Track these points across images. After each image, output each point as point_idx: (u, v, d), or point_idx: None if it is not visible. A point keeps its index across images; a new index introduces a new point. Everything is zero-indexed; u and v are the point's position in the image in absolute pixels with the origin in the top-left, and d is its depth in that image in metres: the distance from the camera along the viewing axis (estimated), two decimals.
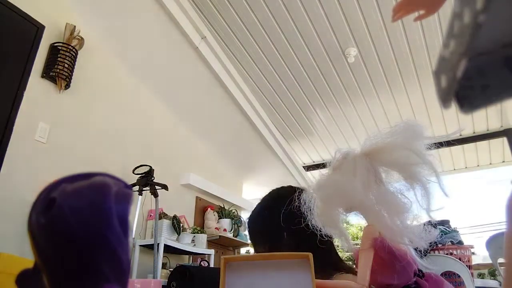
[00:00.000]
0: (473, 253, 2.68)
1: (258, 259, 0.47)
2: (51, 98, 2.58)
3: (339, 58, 3.64)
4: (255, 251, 0.99)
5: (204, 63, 3.25)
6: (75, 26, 2.70)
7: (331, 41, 3.44)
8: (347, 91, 4.13)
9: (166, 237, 2.88)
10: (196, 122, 3.98)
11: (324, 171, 0.65)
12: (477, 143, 4.95)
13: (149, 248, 2.89)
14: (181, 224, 3.13)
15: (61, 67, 2.56)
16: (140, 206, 2.92)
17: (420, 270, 0.60)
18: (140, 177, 2.80)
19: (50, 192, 0.27)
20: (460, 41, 0.34)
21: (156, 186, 2.79)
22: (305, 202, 0.65)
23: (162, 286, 2.46)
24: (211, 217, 3.94)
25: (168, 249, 2.95)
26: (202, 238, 3.32)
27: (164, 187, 2.83)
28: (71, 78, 2.66)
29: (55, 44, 2.60)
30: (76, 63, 2.70)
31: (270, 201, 0.98)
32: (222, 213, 4.08)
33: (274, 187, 1.01)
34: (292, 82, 4.02)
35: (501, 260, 2.56)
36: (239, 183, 4.98)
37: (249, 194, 5.34)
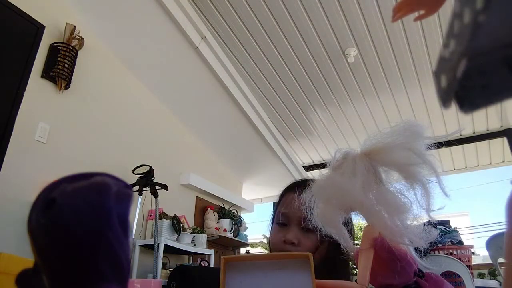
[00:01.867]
0: (473, 253, 2.68)
1: (258, 259, 0.47)
2: (51, 98, 2.58)
3: (339, 58, 3.64)
4: None
5: (204, 63, 3.25)
6: (75, 26, 2.70)
7: (331, 41, 3.44)
8: (347, 91, 4.13)
9: (166, 237, 2.88)
10: (196, 122, 3.98)
11: (324, 171, 0.64)
12: (477, 143, 4.95)
13: (149, 248, 2.89)
14: (181, 224, 3.13)
15: (61, 67, 2.55)
16: (140, 206, 2.92)
17: (420, 270, 0.60)
18: (140, 177, 2.80)
19: (50, 192, 0.27)
20: (460, 41, 0.34)
21: (156, 186, 2.79)
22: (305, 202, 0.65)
23: (162, 286, 2.46)
24: (211, 217, 3.94)
25: (168, 249, 2.95)
26: (202, 238, 3.32)
27: (164, 187, 2.83)
28: (71, 78, 2.66)
29: (55, 44, 2.60)
30: (76, 63, 2.70)
31: None
32: (222, 213, 4.08)
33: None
34: (292, 82, 4.01)
35: (501, 260, 2.56)
36: (239, 183, 4.98)
37: (249, 194, 5.34)
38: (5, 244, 2.04)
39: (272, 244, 1.00)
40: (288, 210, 0.99)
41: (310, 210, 0.64)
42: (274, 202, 6.10)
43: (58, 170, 2.50)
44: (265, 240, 5.45)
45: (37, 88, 2.48)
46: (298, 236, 0.96)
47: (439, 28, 3.22)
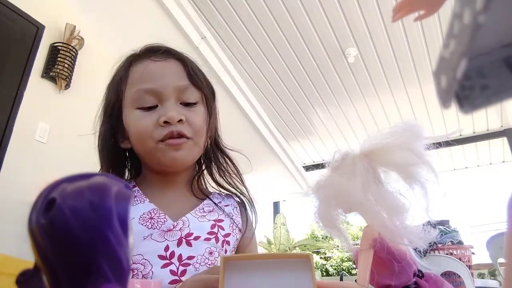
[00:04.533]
0: (473, 253, 2.68)
1: (258, 258, 0.47)
2: (51, 98, 2.58)
3: (339, 58, 3.64)
4: None
5: (204, 63, 3.24)
6: (75, 26, 2.70)
7: (331, 41, 3.44)
8: (347, 91, 4.13)
9: None
10: None
11: (324, 171, 0.65)
12: (477, 143, 4.95)
13: None
14: None
15: (61, 67, 2.56)
16: None
17: (419, 271, 0.60)
18: None
19: (50, 192, 0.27)
20: (460, 41, 0.34)
21: None
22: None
23: None
24: None
25: None
26: None
27: None
28: (71, 78, 2.66)
29: (55, 44, 2.60)
30: (76, 63, 2.70)
31: None
32: None
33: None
34: (292, 82, 4.01)
35: (501, 260, 2.56)
36: None
37: None
38: (5, 244, 2.04)
39: (137, 135, 0.74)
40: (156, 84, 0.74)
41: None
42: (274, 202, 6.06)
43: (58, 170, 2.50)
44: (265, 240, 5.45)
45: (37, 88, 2.48)
46: (182, 111, 0.75)
47: (439, 28, 3.22)
